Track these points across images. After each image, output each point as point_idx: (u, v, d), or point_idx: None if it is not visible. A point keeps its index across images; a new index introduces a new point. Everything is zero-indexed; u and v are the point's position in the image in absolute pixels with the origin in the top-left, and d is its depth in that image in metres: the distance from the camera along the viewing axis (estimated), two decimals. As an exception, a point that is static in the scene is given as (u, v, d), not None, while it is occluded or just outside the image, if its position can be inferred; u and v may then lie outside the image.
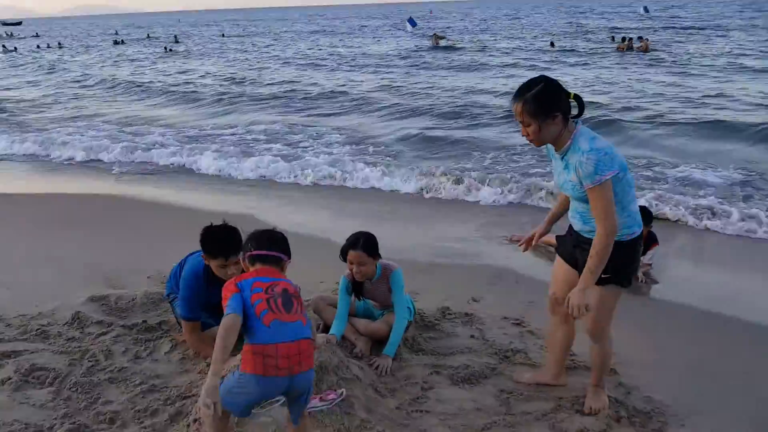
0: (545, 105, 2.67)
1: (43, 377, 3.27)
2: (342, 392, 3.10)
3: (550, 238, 6.15)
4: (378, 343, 3.81)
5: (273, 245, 2.53)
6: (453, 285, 4.83)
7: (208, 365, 3.44)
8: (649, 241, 5.48)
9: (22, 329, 3.81)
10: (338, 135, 12.36)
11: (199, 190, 8.73)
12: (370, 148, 11.12)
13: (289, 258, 2.58)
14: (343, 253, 3.68)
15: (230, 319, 2.23)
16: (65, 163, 10.62)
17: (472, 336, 4.00)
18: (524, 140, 2.88)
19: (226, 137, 12.45)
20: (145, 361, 3.55)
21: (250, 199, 8.09)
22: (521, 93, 2.71)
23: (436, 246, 5.89)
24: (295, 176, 9.18)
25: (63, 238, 6.00)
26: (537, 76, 2.81)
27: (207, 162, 10.07)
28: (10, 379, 3.22)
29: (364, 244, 3.65)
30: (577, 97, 2.73)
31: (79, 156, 10.88)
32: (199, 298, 3.56)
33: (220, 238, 3.38)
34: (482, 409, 3.21)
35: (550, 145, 2.85)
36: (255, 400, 2.34)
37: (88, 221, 6.67)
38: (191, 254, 3.82)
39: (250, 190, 8.72)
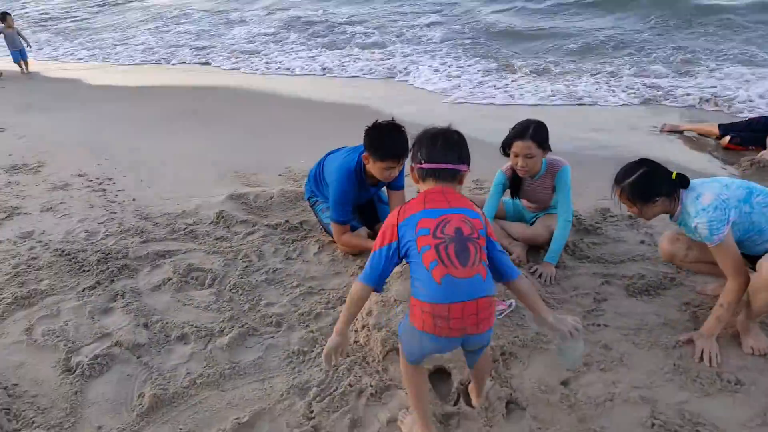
0: (645, 192, 2.63)
1: (201, 278, 3.24)
2: (511, 303, 2.85)
3: (711, 127, 5.42)
4: (531, 249, 3.50)
5: (449, 153, 1.99)
6: (608, 182, 4.32)
7: (360, 267, 3.32)
8: None
9: (170, 228, 3.80)
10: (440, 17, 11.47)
11: (298, 82, 8.45)
12: (466, 30, 10.26)
13: (468, 166, 2.08)
14: (507, 145, 3.23)
15: (359, 291, 1.92)
16: (161, 60, 10.58)
17: (642, 242, 3.58)
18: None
19: (316, 22, 11.92)
20: (296, 262, 3.44)
21: (361, 89, 7.72)
22: (619, 179, 2.68)
23: (579, 137, 5.34)
24: (405, 70, 8.67)
25: (187, 131, 5.97)
26: (638, 159, 2.70)
27: (302, 56, 9.76)
28: (170, 279, 3.21)
29: (534, 132, 3.16)
30: (680, 176, 2.64)
31: (181, 52, 10.80)
32: (351, 199, 3.34)
33: (392, 139, 3.04)
34: (668, 323, 2.86)
35: None
36: (427, 353, 2.02)
37: (208, 115, 6.61)
38: (331, 153, 3.56)
39: (354, 81, 8.34)
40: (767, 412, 2.30)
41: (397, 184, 3.36)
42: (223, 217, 3.87)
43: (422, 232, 1.84)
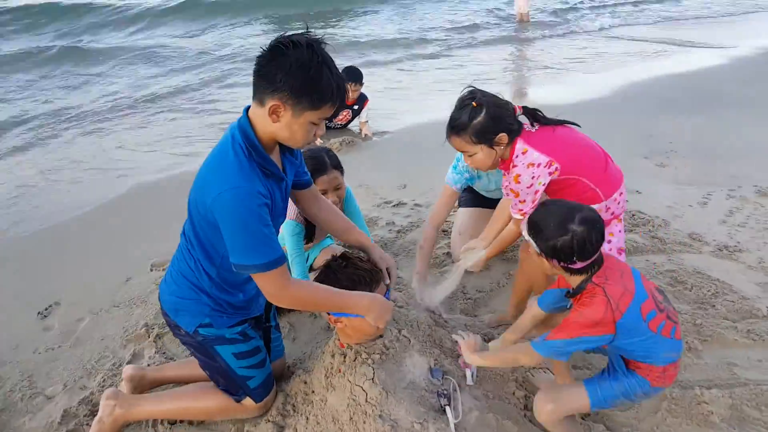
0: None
1: None
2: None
3: None
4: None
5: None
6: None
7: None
8: (361, 99, 5.89)
9: None
10: None
11: None
12: None
13: None
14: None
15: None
16: None
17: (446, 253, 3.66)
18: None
19: None
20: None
21: None
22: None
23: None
24: None
25: None
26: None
27: None
28: None
29: (333, 161, 2.79)
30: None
31: None
32: (269, 212, 1.85)
33: (331, 69, 1.72)
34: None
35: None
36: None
37: None
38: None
39: None
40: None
41: (306, 179, 2.20)
42: None
43: (651, 315, 1.82)
